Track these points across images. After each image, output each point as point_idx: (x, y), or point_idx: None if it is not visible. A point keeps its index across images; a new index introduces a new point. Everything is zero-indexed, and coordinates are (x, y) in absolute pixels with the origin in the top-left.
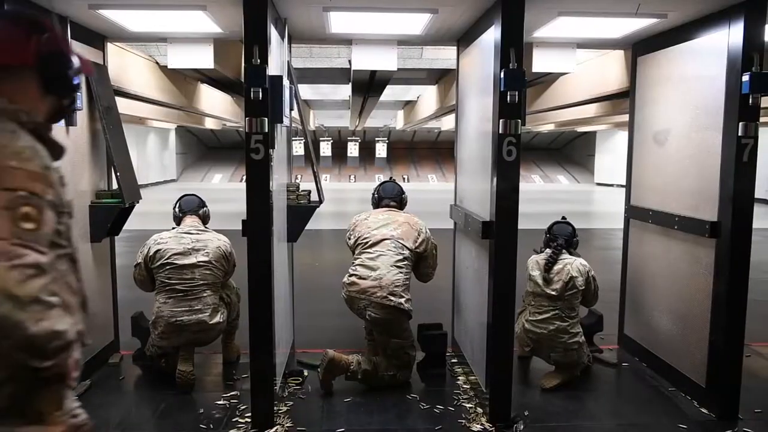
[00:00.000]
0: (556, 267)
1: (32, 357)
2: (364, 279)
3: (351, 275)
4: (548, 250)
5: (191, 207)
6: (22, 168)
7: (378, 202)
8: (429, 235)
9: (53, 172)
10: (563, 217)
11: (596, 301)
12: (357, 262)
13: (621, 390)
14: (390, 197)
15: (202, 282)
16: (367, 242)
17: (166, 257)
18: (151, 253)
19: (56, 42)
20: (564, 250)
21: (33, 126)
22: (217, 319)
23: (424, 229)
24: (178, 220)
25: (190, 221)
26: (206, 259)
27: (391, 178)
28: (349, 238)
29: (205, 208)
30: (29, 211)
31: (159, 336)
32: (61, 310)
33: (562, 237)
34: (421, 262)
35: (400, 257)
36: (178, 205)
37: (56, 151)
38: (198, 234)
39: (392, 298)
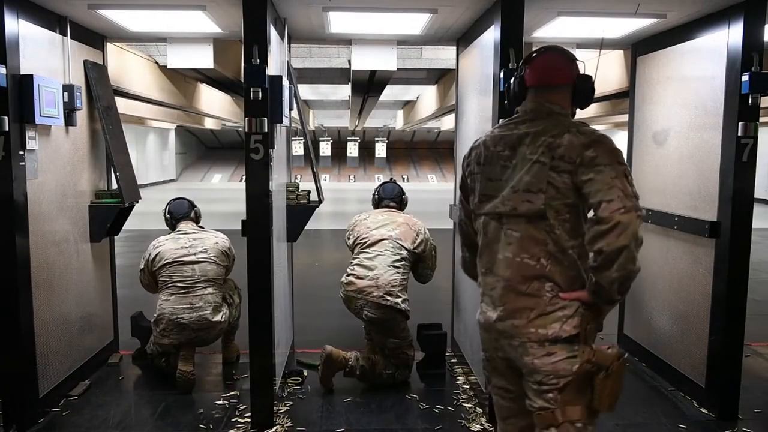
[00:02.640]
0: None
1: (619, 289)
2: (361, 278)
3: (349, 275)
4: None
5: (182, 212)
6: (616, 149)
7: (378, 202)
8: (428, 237)
9: None
10: None
11: None
12: (355, 261)
13: None
14: (390, 198)
15: (202, 278)
16: (365, 242)
17: (166, 257)
18: (151, 257)
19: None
20: None
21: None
22: (219, 317)
23: (423, 230)
24: (172, 227)
25: (185, 225)
26: (205, 255)
27: (391, 178)
28: (348, 238)
29: (195, 209)
30: (631, 179)
31: (160, 333)
32: None
33: None
34: (419, 263)
35: (398, 257)
36: (168, 211)
37: None
38: (194, 233)
39: (389, 297)
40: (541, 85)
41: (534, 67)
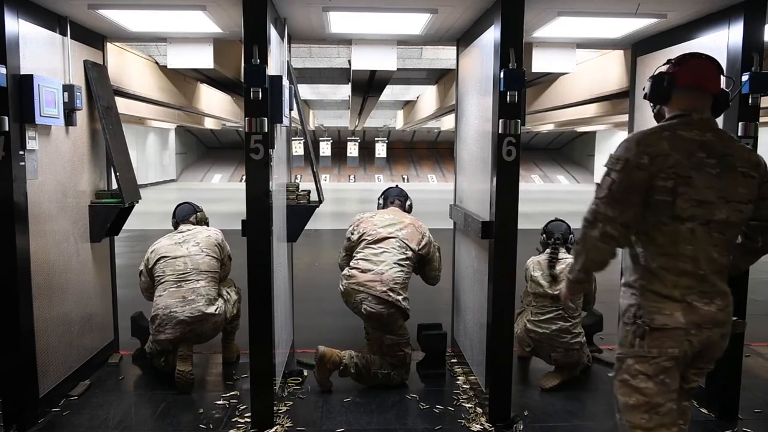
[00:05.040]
0: (559, 267)
1: None
2: (364, 272)
3: (352, 268)
4: (548, 250)
5: (183, 215)
6: None
7: (384, 203)
8: (432, 239)
9: None
10: (556, 218)
11: (594, 303)
12: (359, 256)
13: None
14: (396, 197)
15: (194, 270)
16: (371, 238)
17: (160, 253)
18: (148, 255)
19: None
20: (562, 248)
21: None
22: (213, 310)
23: (427, 233)
24: (175, 227)
25: (183, 227)
26: (197, 248)
27: (396, 185)
28: (352, 234)
29: (197, 214)
30: None
31: (156, 330)
32: None
33: (559, 233)
34: (425, 264)
35: (404, 257)
36: (173, 214)
37: None
38: (188, 231)
39: (391, 294)
40: (695, 86)
41: (690, 68)
